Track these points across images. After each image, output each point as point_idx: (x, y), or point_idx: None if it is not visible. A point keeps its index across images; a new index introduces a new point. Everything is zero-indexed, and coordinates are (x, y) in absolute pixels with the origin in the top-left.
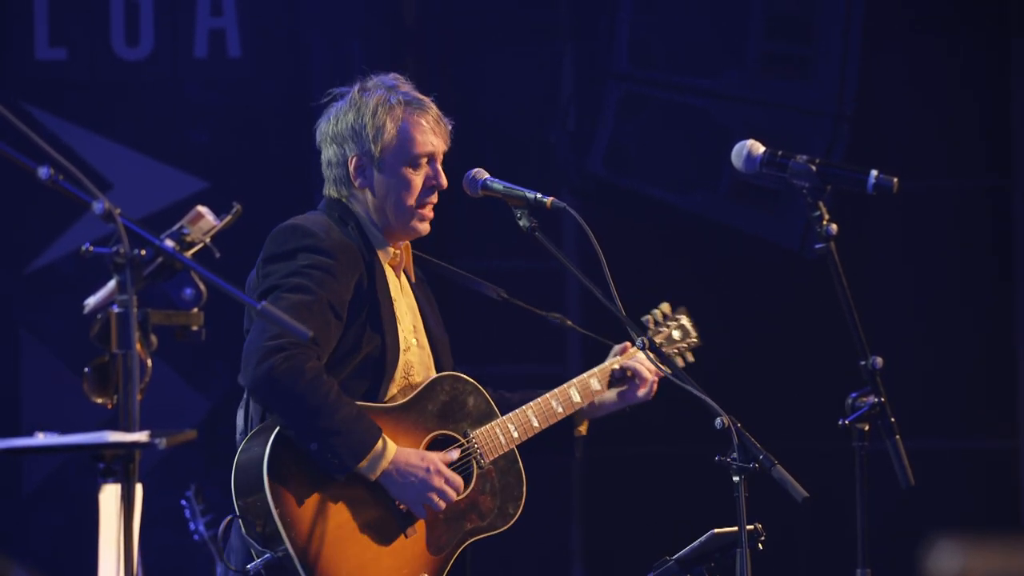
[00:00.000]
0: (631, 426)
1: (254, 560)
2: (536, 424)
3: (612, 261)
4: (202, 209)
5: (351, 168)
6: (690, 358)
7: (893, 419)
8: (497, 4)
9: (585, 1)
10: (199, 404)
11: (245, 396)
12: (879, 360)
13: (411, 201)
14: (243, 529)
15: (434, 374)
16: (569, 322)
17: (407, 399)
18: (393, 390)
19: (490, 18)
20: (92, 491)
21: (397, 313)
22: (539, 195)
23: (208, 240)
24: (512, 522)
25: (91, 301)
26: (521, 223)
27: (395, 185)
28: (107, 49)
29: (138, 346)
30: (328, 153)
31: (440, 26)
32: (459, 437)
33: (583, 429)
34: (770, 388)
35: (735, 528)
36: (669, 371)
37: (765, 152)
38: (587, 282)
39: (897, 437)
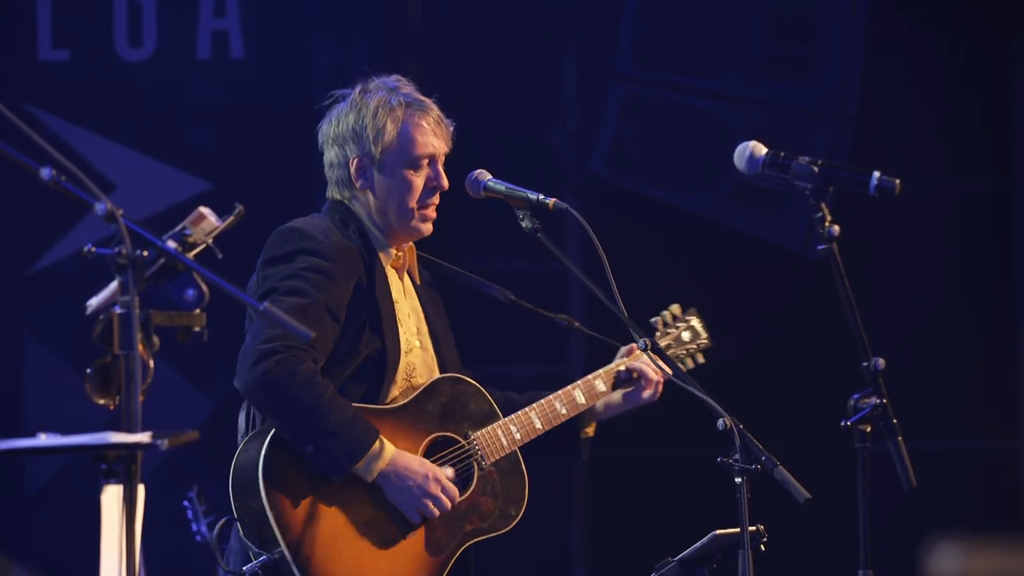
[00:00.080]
0: (633, 427)
1: (252, 561)
2: (539, 426)
3: (614, 262)
4: (204, 210)
5: (352, 169)
6: (700, 359)
7: (895, 420)
8: (500, 6)
9: (588, 3)
10: (201, 405)
11: None
12: (881, 361)
13: (412, 202)
14: (240, 531)
15: (454, 374)
16: (576, 323)
17: (407, 400)
18: (395, 392)
19: (493, 20)
20: (95, 492)
21: (399, 315)
22: (541, 196)
23: (210, 241)
24: (514, 523)
25: (93, 302)
26: (523, 224)
27: (396, 186)
28: (110, 50)
29: (140, 347)
30: (330, 155)
31: (443, 27)
32: (460, 439)
33: (590, 431)
34: (772, 389)
35: (737, 529)
36: (671, 372)
37: (767, 153)
38: (589, 283)
39: (899, 438)
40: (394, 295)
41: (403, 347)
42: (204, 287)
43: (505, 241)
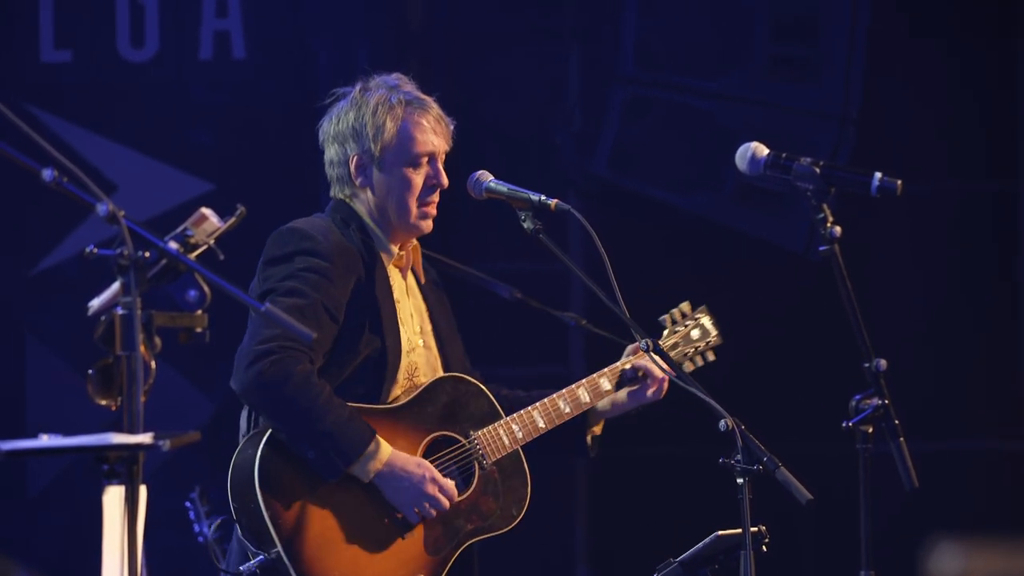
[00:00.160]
0: (636, 427)
1: (251, 561)
2: (542, 424)
3: (616, 263)
4: (206, 211)
5: (352, 167)
6: (711, 357)
7: (897, 421)
8: (502, 6)
9: (590, 3)
10: (203, 406)
11: None
12: (883, 362)
13: (411, 200)
14: (239, 531)
15: (455, 373)
16: (584, 321)
17: (406, 401)
18: (396, 391)
19: (495, 20)
20: (97, 493)
21: (400, 314)
22: (543, 197)
23: (212, 242)
24: (515, 523)
25: (95, 303)
26: (525, 225)
27: (395, 184)
28: (112, 51)
29: (142, 348)
30: (330, 152)
31: (445, 28)
32: (460, 438)
33: (597, 429)
34: (774, 390)
35: (739, 530)
36: (673, 373)
37: (769, 154)
38: (591, 284)
39: (901, 439)
40: (396, 294)
41: (404, 346)
42: (206, 288)
43: (507, 242)
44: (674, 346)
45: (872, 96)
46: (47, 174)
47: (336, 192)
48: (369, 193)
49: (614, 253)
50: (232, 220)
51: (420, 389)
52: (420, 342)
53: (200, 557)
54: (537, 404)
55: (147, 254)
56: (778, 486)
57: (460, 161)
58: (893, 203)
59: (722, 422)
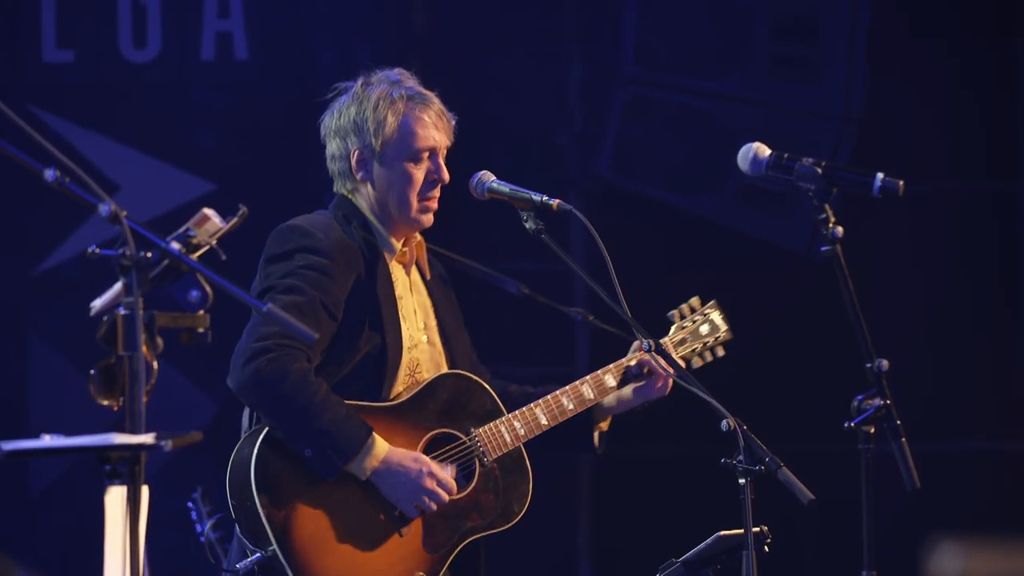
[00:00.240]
0: (638, 427)
1: (248, 559)
2: (544, 421)
3: (618, 263)
4: (208, 211)
5: (353, 161)
6: (720, 352)
7: (899, 421)
8: (503, 7)
9: (591, 4)
10: (205, 406)
11: None
12: (885, 363)
13: (412, 195)
14: (237, 528)
15: (455, 371)
16: (591, 317)
17: (406, 398)
18: (399, 388)
19: (496, 21)
20: (99, 494)
21: (402, 311)
22: (545, 197)
23: (214, 242)
24: (516, 520)
25: (97, 303)
26: (527, 225)
27: (396, 179)
28: (114, 51)
29: (144, 348)
30: (332, 147)
31: (446, 29)
32: (461, 435)
33: (604, 425)
34: (776, 390)
35: (741, 530)
36: (675, 373)
37: (771, 154)
38: (593, 284)
39: (903, 440)
40: (398, 291)
41: (406, 343)
42: (208, 288)
43: (509, 242)
44: (682, 342)
45: (872, 96)
46: (49, 174)
47: (338, 187)
48: (370, 188)
49: (616, 253)
50: (234, 220)
51: (421, 386)
52: (424, 338)
53: (202, 557)
54: (540, 401)
55: (149, 254)
56: (780, 486)
57: (462, 161)
58: (893, 203)
59: (724, 422)
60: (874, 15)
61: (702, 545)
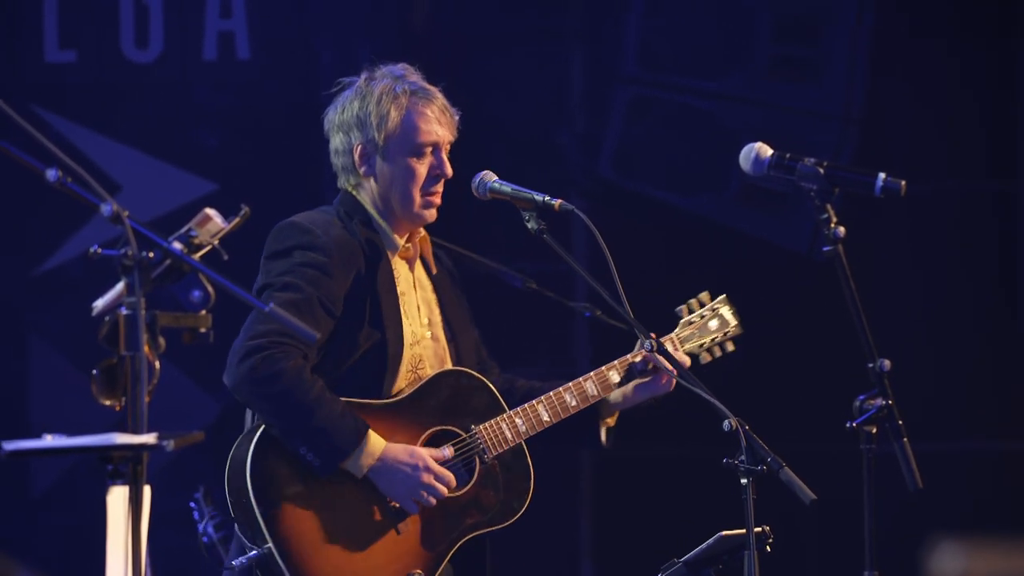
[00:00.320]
0: (639, 427)
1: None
2: (546, 418)
3: (620, 263)
4: (210, 211)
5: (356, 156)
6: (730, 348)
7: (901, 422)
8: (505, 7)
9: (593, 4)
10: (207, 406)
11: None
12: (887, 362)
13: (415, 190)
14: (236, 526)
15: (456, 367)
16: (599, 312)
17: (405, 395)
18: (400, 384)
19: (498, 21)
20: (101, 494)
21: (404, 307)
22: (547, 197)
23: (216, 242)
24: (516, 517)
25: (99, 303)
26: (529, 225)
27: (399, 174)
28: (116, 51)
29: (146, 348)
30: (335, 142)
31: (448, 29)
32: (461, 432)
33: (611, 421)
34: (778, 391)
35: (743, 530)
36: (677, 373)
37: (773, 155)
38: (595, 284)
39: (905, 440)
40: (401, 287)
41: (408, 339)
42: (210, 288)
43: (511, 242)
44: (689, 337)
45: (872, 96)
46: (51, 174)
47: (342, 182)
48: (373, 183)
49: (617, 253)
50: (236, 220)
51: (420, 383)
52: (428, 334)
53: (203, 557)
54: (543, 397)
55: (151, 254)
56: (782, 486)
57: (463, 162)
58: (893, 203)
59: (726, 422)
60: (875, 15)
61: (704, 545)
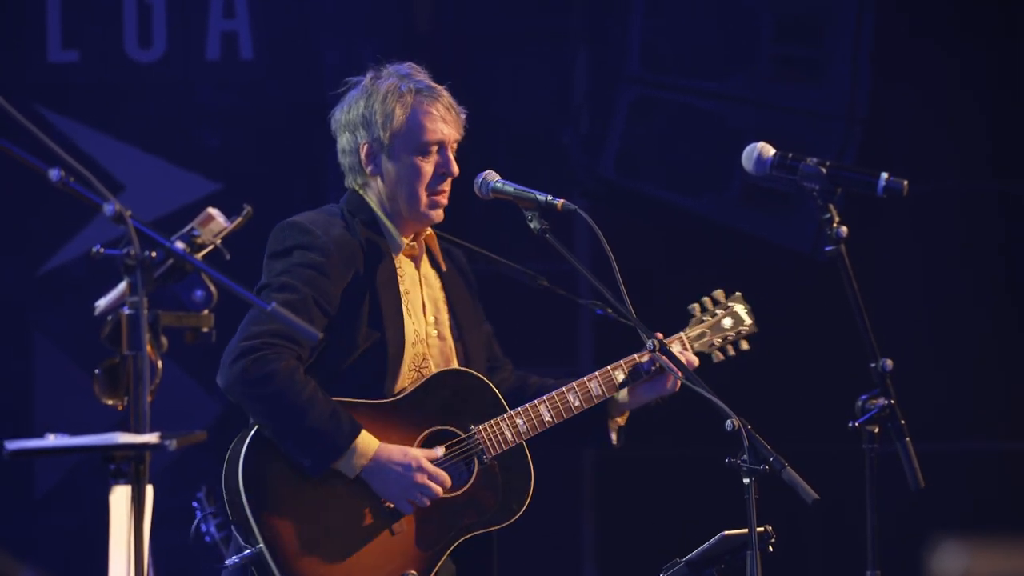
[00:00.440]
0: (641, 427)
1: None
2: (548, 418)
3: (623, 263)
4: (213, 211)
5: (362, 155)
6: (745, 346)
7: (903, 421)
8: (509, 8)
9: (597, 5)
10: (209, 406)
11: None
12: (889, 362)
13: (421, 189)
14: (232, 525)
15: (455, 367)
16: (610, 309)
17: (402, 395)
18: (403, 383)
19: (502, 22)
20: (103, 493)
21: (407, 305)
22: (550, 197)
23: (218, 242)
24: (515, 518)
25: (102, 303)
26: (532, 225)
27: (404, 172)
28: (119, 51)
29: (148, 348)
30: (342, 141)
31: (452, 29)
32: (459, 432)
33: (621, 420)
34: (780, 390)
35: (745, 530)
36: (680, 373)
37: (776, 155)
38: (598, 284)
39: (907, 439)
40: (405, 285)
41: (410, 338)
42: (212, 288)
43: (514, 242)
44: (700, 336)
45: (874, 96)
46: (54, 174)
47: (349, 182)
48: (380, 182)
49: (620, 253)
50: (238, 220)
51: (419, 383)
52: (434, 332)
53: (206, 556)
54: (545, 397)
55: (154, 254)
56: (784, 486)
57: (467, 162)
58: (896, 203)
59: (728, 422)
60: (876, 16)
61: (706, 545)
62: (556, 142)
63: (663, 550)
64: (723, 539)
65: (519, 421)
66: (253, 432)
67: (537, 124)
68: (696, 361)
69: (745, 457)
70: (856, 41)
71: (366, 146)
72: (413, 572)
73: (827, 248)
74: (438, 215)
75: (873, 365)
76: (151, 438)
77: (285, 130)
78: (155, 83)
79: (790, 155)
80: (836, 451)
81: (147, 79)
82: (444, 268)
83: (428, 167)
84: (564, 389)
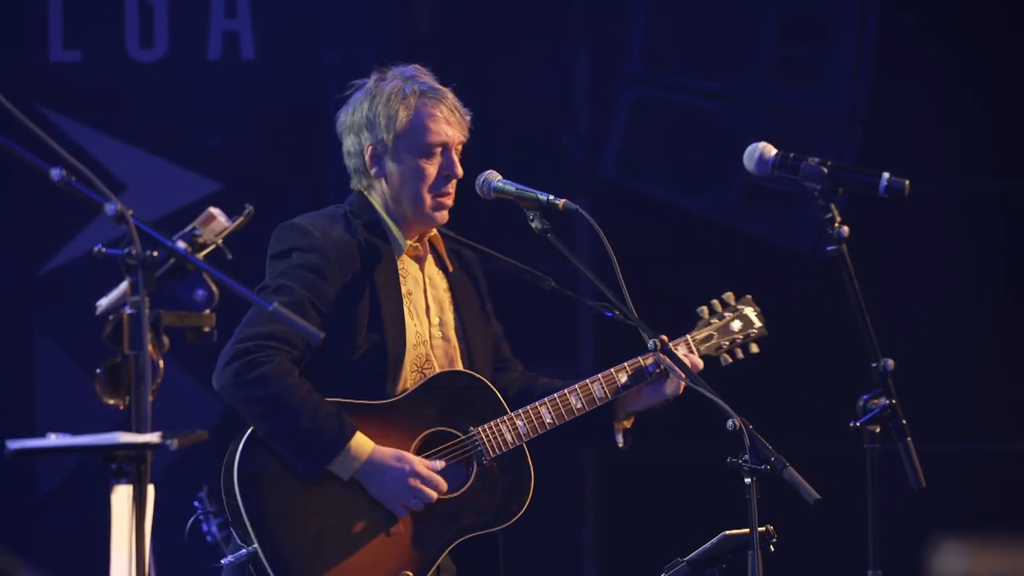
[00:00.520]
0: (642, 427)
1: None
2: (549, 420)
3: (624, 263)
4: (214, 211)
5: (366, 157)
6: (754, 349)
7: (904, 421)
8: (509, 8)
9: (597, 5)
10: (211, 405)
11: None
12: (890, 362)
13: (425, 191)
14: (230, 525)
15: (456, 368)
16: (619, 311)
17: (400, 396)
18: (405, 384)
19: (502, 21)
20: (105, 493)
21: (409, 307)
22: (551, 197)
23: (220, 242)
24: (514, 519)
25: (103, 302)
26: (533, 225)
27: (409, 175)
28: (121, 51)
29: (150, 347)
30: (347, 143)
31: (452, 29)
32: (458, 434)
33: (627, 423)
34: (781, 390)
35: (747, 530)
36: (682, 374)
37: (777, 154)
38: (599, 284)
39: (908, 439)
40: (407, 287)
41: (412, 339)
42: (214, 287)
43: (515, 242)
44: (707, 339)
45: (875, 97)
46: (55, 173)
47: (354, 184)
48: (384, 184)
49: (621, 253)
50: (240, 220)
51: (419, 384)
52: (438, 334)
53: (207, 556)
54: (546, 399)
55: (155, 253)
56: (786, 486)
57: (468, 162)
58: (897, 203)
59: (730, 422)
60: (877, 16)
61: (707, 545)
62: (556, 142)
63: (664, 550)
64: (724, 539)
65: (519, 423)
66: (248, 433)
67: (537, 124)
68: (700, 364)
69: (746, 457)
70: (857, 41)
71: (370, 148)
72: (409, 573)
73: (829, 248)
74: (442, 217)
75: (874, 365)
76: (152, 438)
77: (286, 130)
78: (156, 83)
79: (791, 155)
80: (837, 451)
81: (148, 79)
82: (451, 269)
83: (432, 169)
84: (566, 391)
